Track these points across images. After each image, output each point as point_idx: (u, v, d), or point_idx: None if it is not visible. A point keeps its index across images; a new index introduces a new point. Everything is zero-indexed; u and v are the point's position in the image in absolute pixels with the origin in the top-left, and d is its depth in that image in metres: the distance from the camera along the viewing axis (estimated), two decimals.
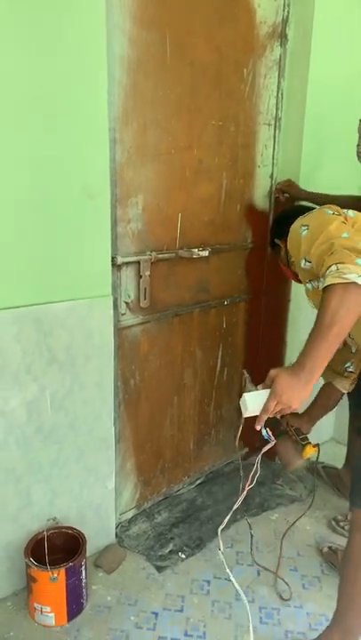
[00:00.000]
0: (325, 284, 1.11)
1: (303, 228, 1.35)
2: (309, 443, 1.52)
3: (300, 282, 1.59)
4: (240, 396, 1.24)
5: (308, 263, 1.30)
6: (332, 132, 2.01)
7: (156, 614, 1.50)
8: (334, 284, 1.09)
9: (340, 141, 1.99)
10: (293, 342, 2.18)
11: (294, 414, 1.63)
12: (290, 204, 1.96)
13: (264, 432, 1.23)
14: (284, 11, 1.84)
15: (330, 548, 1.75)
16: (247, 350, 2.15)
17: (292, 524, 1.78)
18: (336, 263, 1.12)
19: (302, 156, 1.94)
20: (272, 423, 1.54)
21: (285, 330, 2.18)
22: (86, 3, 1.27)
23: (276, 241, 1.68)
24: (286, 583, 1.63)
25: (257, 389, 1.22)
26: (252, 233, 2.02)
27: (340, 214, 1.32)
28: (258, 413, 1.19)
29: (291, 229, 1.43)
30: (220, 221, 1.87)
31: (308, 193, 1.90)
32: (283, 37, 1.87)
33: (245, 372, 1.35)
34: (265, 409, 1.17)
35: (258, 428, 1.20)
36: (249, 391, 1.23)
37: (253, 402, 1.19)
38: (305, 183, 1.94)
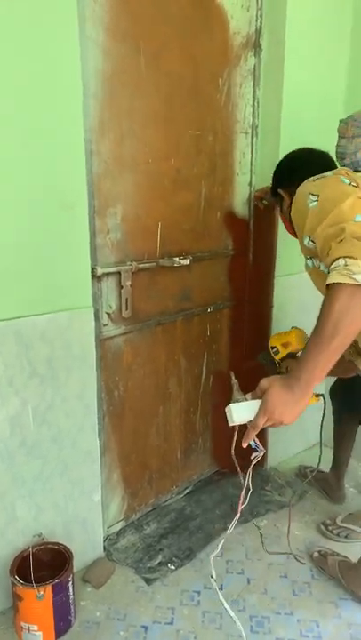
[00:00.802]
0: (330, 281, 0.97)
1: (312, 198, 1.15)
2: None
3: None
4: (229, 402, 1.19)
5: (312, 243, 1.14)
6: (308, 138, 2.00)
7: (146, 628, 1.48)
8: (341, 283, 0.95)
9: (316, 147, 2.02)
10: None
11: (296, 359, 1.42)
12: (270, 206, 1.96)
13: (252, 442, 1.13)
14: (257, 21, 1.87)
15: (319, 552, 1.75)
16: (232, 357, 2.16)
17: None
18: (344, 257, 0.98)
19: None
20: (269, 364, 1.41)
21: (269, 334, 2.18)
22: (59, 16, 1.27)
23: (280, 191, 1.51)
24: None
25: (245, 398, 1.12)
26: (233, 240, 2.03)
27: (357, 185, 1.15)
28: (244, 422, 1.10)
29: (298, 192, 1.24)
30: (200, 229, 1.88)
31: None
32: (257, 47, 1.89)
33: (233, 377, 1.29)
34: (254, 425, 1.05)
35: (245, 445, 1.10)
36: (236, 400, 1.13)
37: (240, 413, 1.10)
38: None
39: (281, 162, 1.58)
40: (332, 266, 0.99)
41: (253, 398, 1.09)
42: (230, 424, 1.13)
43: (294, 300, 2.16)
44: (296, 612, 1.54)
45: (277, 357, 1.40)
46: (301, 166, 1.39)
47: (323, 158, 1.48)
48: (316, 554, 1.75)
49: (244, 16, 1.83)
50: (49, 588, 1.37)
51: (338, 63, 2.11)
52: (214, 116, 1.82)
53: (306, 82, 1.96)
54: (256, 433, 1.07)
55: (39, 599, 1.37)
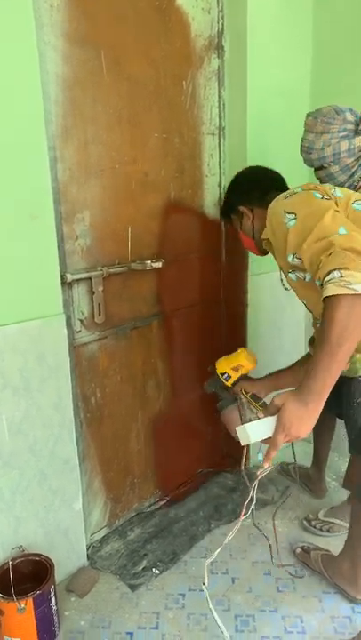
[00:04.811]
0: (328, 294, 1.00)
1: (289, 216, 1.18)
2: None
3: (261, 254, 1.51)
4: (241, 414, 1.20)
5: (297, 259, 1.17)
6: (274, 138, 2.05)
7: (131, 634, 1.48)
8: (339, 294, 0.98)
9: (283, 147, 2.03)
10: (254, 345, 2.20)
11: (249, 380, 1.48)
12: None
13: (260, 457, 1.16)
14: (218, 23, 1.88)
15: (302, 548, 1.76)
16: (210, 356, 2.15)
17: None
18: (339, 269, 1.00)
19: (247, 163, 1.96)
20: (220, 390, 1.44)
21: (245, 333, 2.19)
22: (14, 22, 1.26)
23: (241, 208, 1.51)
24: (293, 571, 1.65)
25: (258, 417, 1.15)
26: (206, 241, 2.03)
27: (329, 197, 1.20)
28: (258, 441, 1.13)
29: (271, 212, 1.28)
30: (171, 232, 1.88)
31: None
32: (219, 49, 1.90)
33: (243, 395, 1.24)
34: (275, 445, 1.08)
35: (266, 465, 1.12)
36: (249, 419, 1.18)
37: (255, 432, 1.13)
38: None
39: (236, 180, 1.60)
40: (327, 278, 1.01)
41: (266, 416, 1.11)
42: (244, 444, 1.16)
43: (268, 297, 2.18)
44: (280, 609, 1.55)
45: (229, 383, 1.39)
46: (260, 181, 1.46)
47: (275, 173, 1.55)
48: (298, 549, 1.76)
49: (206, 18, 1.84)
50: (30, 600, 1.36)
51: (301, 60, 2.14)
52: (180, 118, 1.83)
53: (270, 80, 1.98)
54: (277, 452, 1.09)
55: (20, 612, 1.35)
